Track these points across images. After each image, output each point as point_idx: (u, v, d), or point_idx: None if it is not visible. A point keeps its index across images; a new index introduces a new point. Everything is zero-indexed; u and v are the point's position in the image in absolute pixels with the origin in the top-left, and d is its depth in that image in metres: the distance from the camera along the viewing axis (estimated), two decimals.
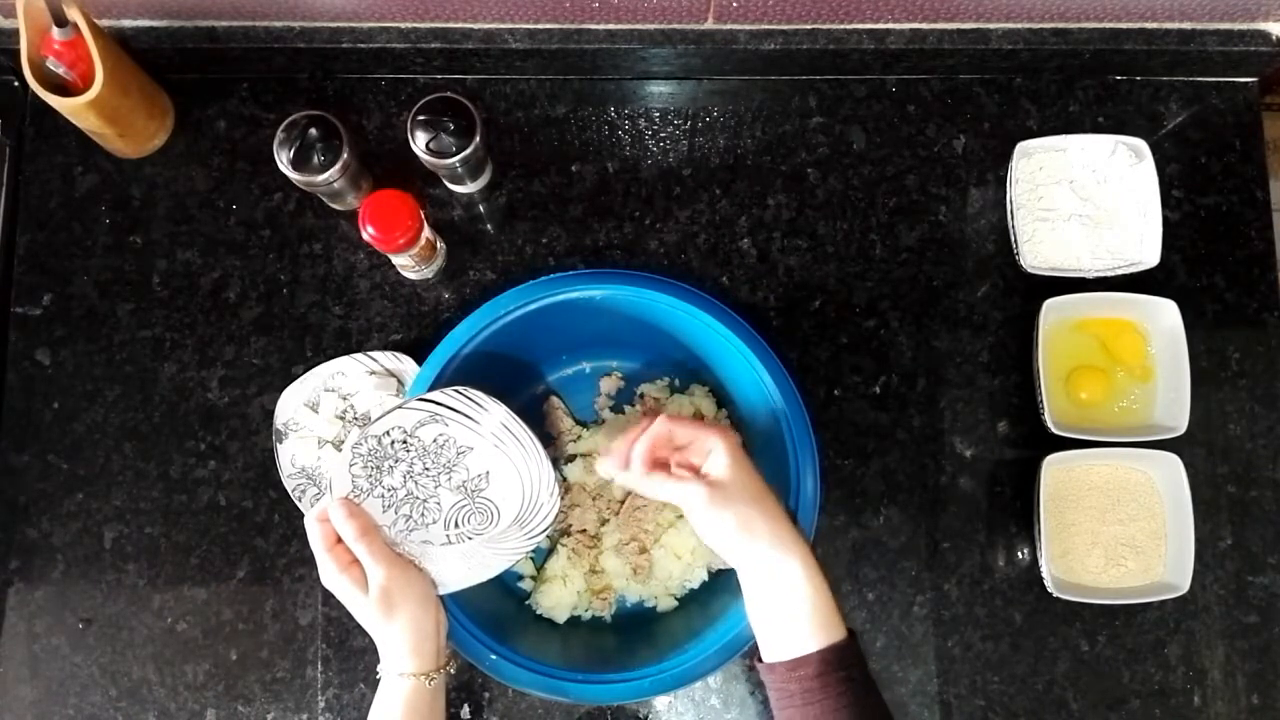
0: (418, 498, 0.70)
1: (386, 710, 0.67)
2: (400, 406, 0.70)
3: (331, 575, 0.68)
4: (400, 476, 0.70)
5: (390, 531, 0.70)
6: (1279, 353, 0.90)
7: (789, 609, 0.63)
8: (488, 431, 0.71)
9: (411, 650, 0.68)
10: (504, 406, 0.71)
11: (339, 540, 0.69)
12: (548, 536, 0.84)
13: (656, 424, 0.68)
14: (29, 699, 0.84)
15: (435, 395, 0.71)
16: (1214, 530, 0.87)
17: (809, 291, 0.90)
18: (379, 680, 0.69)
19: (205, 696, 0.84)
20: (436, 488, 0.71)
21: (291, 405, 0.86)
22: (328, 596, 0.85)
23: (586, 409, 0.89)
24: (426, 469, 0.70)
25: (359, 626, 0.84)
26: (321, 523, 0.69)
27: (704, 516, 0.65)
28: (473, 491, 0.71)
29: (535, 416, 0.87)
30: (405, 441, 0.70)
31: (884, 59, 0.90)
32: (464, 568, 0.73)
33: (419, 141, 0.80)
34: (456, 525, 0.71)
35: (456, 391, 0.71)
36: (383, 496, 0.70)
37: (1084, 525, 0.85)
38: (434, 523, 0.71)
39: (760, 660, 0.65)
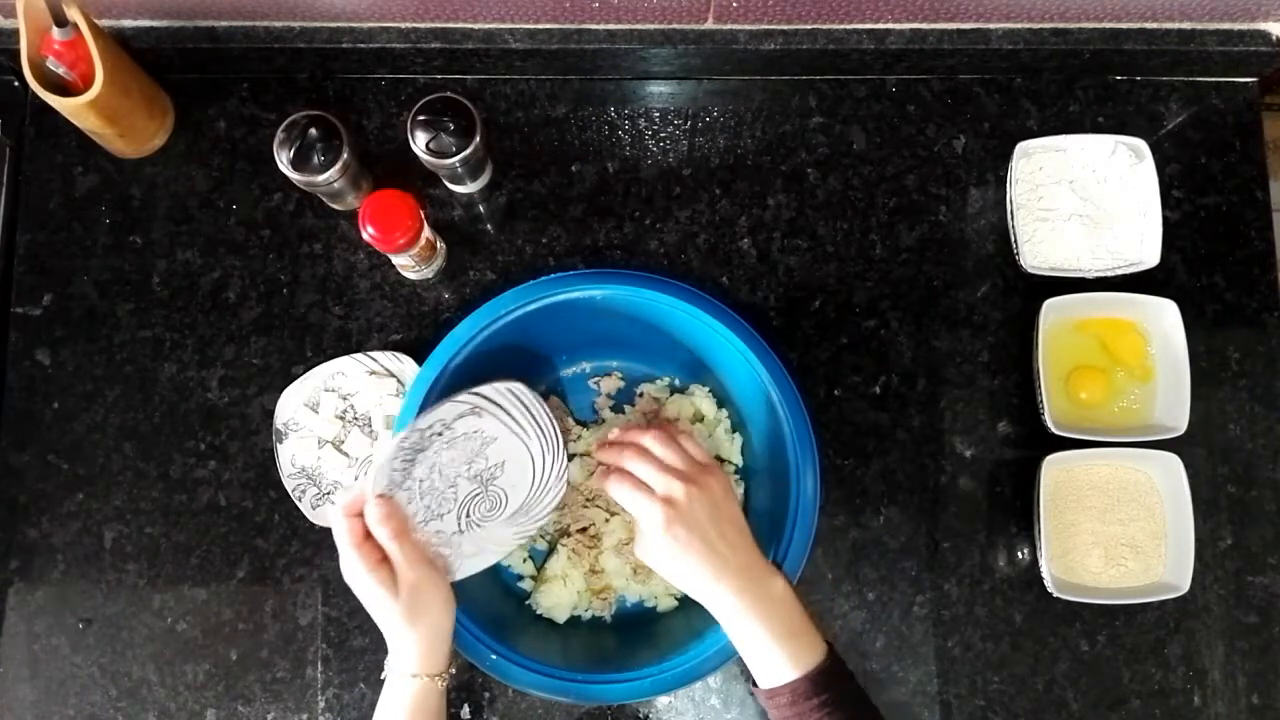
0: (437, 488, 0.69)
1: (394, 710, 0.67)
2: (449, 400, 0.69)
3: (359, 573, 0.64)
4: (427, 468, 0.69)
5: (411, 522, 0.69)
6: (1279, 353, 0.90)
7: (746, 645, 0.64)
8: (519, 426, 0.70)
9: (427, 652, 0.66)
10: (529, 392, 0.71)
11: (367, 536, 0.66)
12: (546, 536, 0.84)
13: (645, 434, 0.69)
14: (29, 699, 0.84)
15: (484, 389, 0.70)
16: (1214, 530, 0.87)
17: (809, 291, 0.90)
18: (383, 680, 0.68)
19: (205, 696, 0.84)
20: (456, 477, 0.70)
21: (291, 405, 0.86)
22: (327, 596, 0.85)
23: (586, 409, 0.89)
24: (452, 460, 0.69)
25: (359, 626, 0.84)
26: (350, 517, 0.65)
27: (648, 542, 0.66)
28: (486, 480, 0.70)
29: None
30: (441, 434, 0.69)
31: (884, 59, 0.90)
32: (470, 556, 0.72)
33: (419, 141, 0.80)
34: (468, 514, 0.71)
35: (508, 389, 0.70)
36: (409, 489, 0.68)
37: (1084, 525, 0.85)
38: (449, 512, 0.70)
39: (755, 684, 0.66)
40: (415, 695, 0.66)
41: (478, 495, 0.71)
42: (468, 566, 0.73)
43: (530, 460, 0.71)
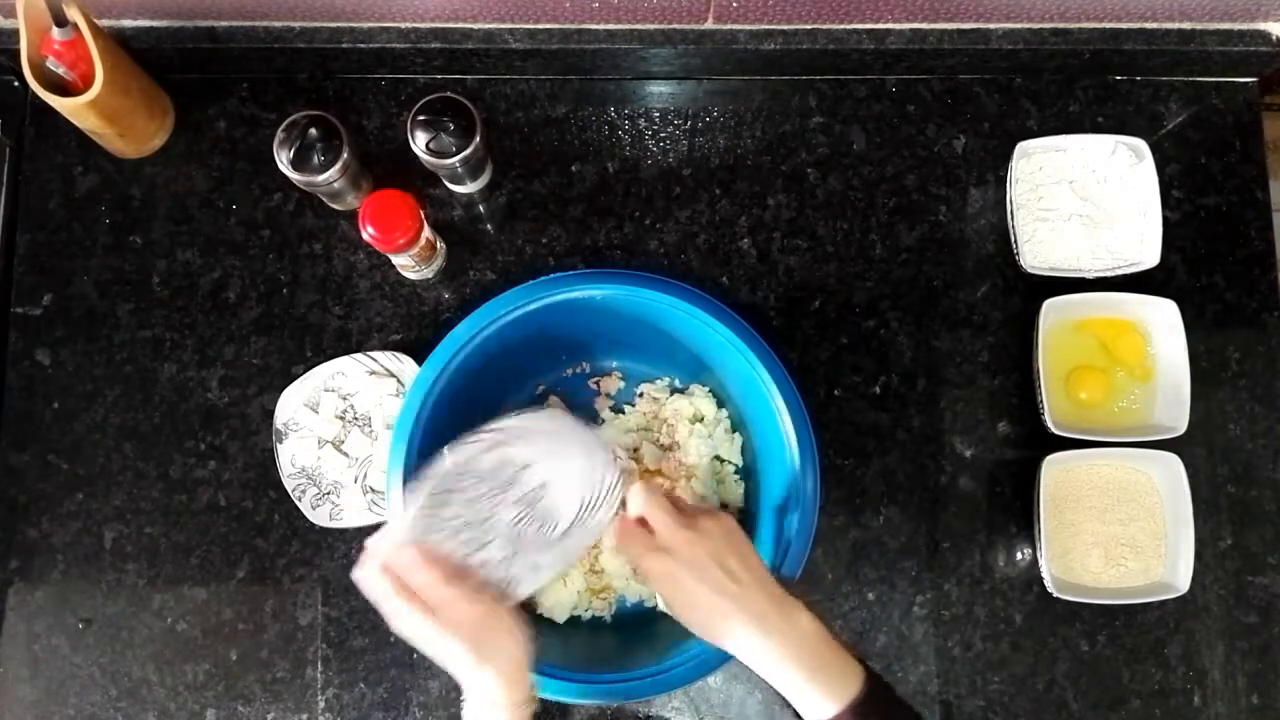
0: (474, 522, 0.67)
1: None
2: (465, 443, 0.67)
3: (416, 626, 0.61)
4: (459, 506, 0.66)
5: (453, 560, 0.66)
6: (1279, 353, 0.90)
7: (782, 686, 0.63)
8: (551, 448, 0.68)
9: (508, 683, 0.63)
10: (562, 413, 0.68)
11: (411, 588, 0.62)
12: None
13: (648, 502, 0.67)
14: (29, 699, 0.84)
15: (494, 424, 0.68)
16: (1214, 530, 0.87)
17: (809, 291, 0.90)
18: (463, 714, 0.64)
19: (205, 696, 0.84)
20: (494, 507, 0.67)
21: (291, 405, 0.86)
22: (327, 596, 0.85)
23: (586, 409, 0.89)
24: (482, 494, 0.67)
25: (359, 626, 0.84)
26: (390, 575, 0.62)
27: (662, 594, 0.66)
28: (531, 502, 0.68)
29: None
30: (461, 475, 0.67)
31: (884, 59, 0.90)
32: (530, 572, 0.70)
33: (419, 141, 0.80)
34: (519, 537, 0.68)
35: (529, 417, 0.69)
36: (442, 530, 0.66)
37: (1084, 525, 0.85)
38: (491, 540, 0.67)
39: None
40: None
41: (524, 517, 0.68)
42: (527, 584, 0.70)
43: (574, 477, 0.69)
